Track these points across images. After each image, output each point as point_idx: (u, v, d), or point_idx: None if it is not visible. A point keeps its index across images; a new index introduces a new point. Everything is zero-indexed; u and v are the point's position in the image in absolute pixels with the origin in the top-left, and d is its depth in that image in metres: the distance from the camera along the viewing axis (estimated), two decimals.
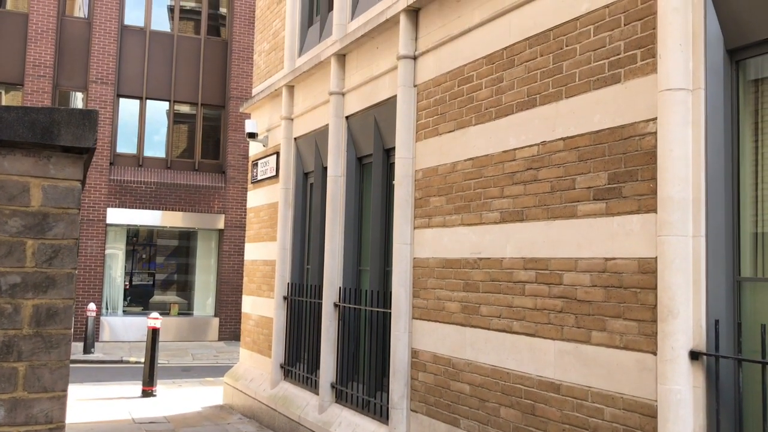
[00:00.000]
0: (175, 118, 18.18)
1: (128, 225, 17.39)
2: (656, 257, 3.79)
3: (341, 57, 7.83)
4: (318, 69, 8.40)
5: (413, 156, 6.29)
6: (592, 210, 4.28)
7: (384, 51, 6.98)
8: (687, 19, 3.75)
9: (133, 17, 17.83)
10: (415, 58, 6.39)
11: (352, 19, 7.83)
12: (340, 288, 7.57)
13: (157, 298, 18.55)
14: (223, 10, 18.81)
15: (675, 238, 3.68)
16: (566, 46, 4.59)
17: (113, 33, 17.02)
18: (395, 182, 6.39)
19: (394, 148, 6.67)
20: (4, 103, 16.86)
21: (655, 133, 3.87)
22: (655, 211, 3.83)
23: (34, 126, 2.21)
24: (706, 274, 3.65)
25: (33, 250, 2.20)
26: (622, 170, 4.10)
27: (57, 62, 16.80)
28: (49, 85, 16.48)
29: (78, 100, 17.49)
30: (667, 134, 3.73)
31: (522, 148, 4.92)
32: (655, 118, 3.87)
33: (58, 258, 2.23)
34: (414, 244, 6.17)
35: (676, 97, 3.71)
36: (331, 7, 8.54)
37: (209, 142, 18.42)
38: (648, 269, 3.87)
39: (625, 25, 4.15)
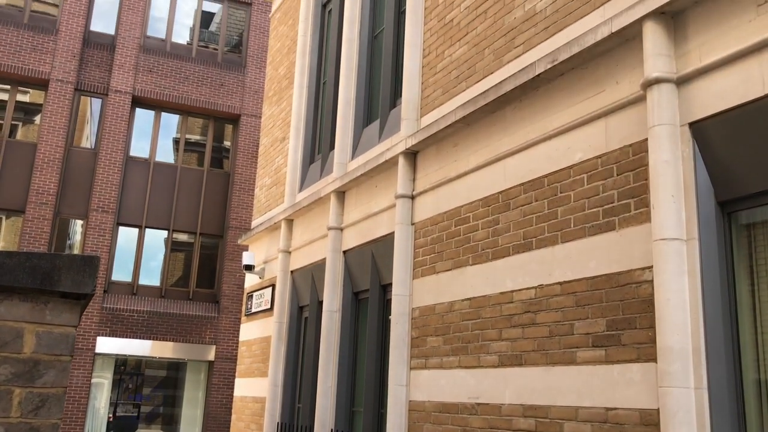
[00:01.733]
0: (173, 246, 18.30)
1: (117, 355, 17.03)
2: (658, 409, 3.69)
3: (341, 194, 8.00)
4: (318, 204, 8.56)
5: (410, 294, 6.28)
6: (591, 357, 4.22)
7: (383, 189, 7.15)
8: (678, 172, 3.87)
9: (139, 148, 18.37)
10: (412, 197, 6.53)
11: (352, 158, 8.08)
12: (332, 430, 7.30)
13: (141, 431, 17.82)
14: (227, 143, 19.43)
15: (677, 390, 3.60)
16: (561, 192, 4.71)
17: (118, 163, 17.48)
18: (392, 320, 6.33)
19: (391, 285, 6.66)
20: (3, 229, 17.02)
21: (652, 281, 3.89)
22: (655, 360, 3.78)
23: (35, 271, 2.22)
24: (711, 428, 3.53)
25: (20, 399, 2.14)
26: (620, 317, 4.08)
27: (60, 190, 17.12)
28: (50, 212, 16.70)
29: (77, 228, 17.66)
30: (664, 283, 3.75)
31: (519, 290, 4.92)
32: (651, 267, 3.91)
33: (45, 407, 2.16)
34: (410, 385, 6.02)
35: (670, 247, 3.76)
36: (332, 147, 8.83)
37: (205, 270, 18.43)
38: (650, 421, 3.75)
39: (617, 175, 4.29)
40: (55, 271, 2.24)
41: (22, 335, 2.19)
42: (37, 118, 17.70)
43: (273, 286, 9.60)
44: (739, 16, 3.69)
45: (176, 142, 19.19)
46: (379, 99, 7.83)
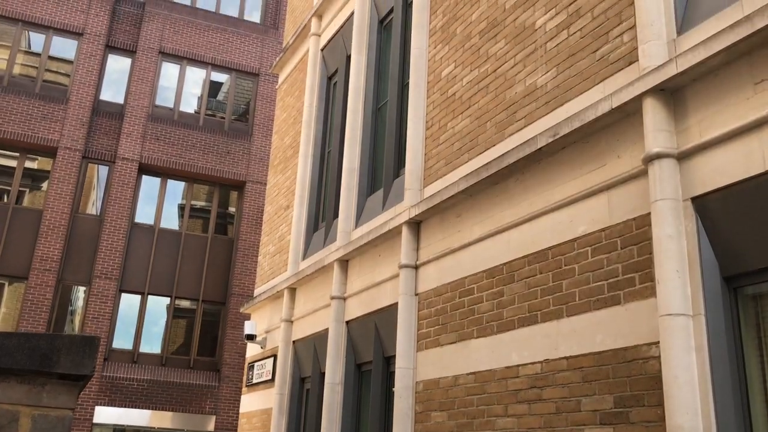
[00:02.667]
0: (175, 313, 18.17)
1: (115, 425, 16.68)
2: None
3: (344, 262, 7.99)
4: (321, 273, 8.54)
5: (414, 366, 6.18)
6: None
7: (386, 259, 7.13)
8: (682, 246, 3.86)
9: (144, 214, 18.48)
10: (416, 267, 6.51)
11: (356, 227, 8.10)
12: None
13: None
14: (231, 209, 19.55)
15: None
16: (565, 265, 4.69)
17: (123, 230, 17.55)
18: (395, 394, 6.21)
19: (394, 357, 6.57)
20: (5, 296, 16.96)
21: (659, 357, 3.83)
22: None
23: (34, 353, 2.19)
24: None
25: None
26: (628, 394, 4.00)
27: (64, 257, 17.14)
28: (53, 279, 16.68)
29: (80, 294, 17.59)
30: (671, 360, 3.68)
31: (525, 365, 4.84)
32: (658, 342, 3.85)
33: None
34: None
35: (677, 323, 3.71)
36: (336, 215, 8.87)
37: (207, 338, 18.25)
38: None
39: (621, 248, 4.28)
40: (54, 352, 2.21)
41: (18, 419, 2.14)
42: (44, 185, 17.89)
43: (274, 356, 9.48)
44: (737, 94, 3.75)
45: (181, 208, 19.31)
46: (383, 169, 7.91)
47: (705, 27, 3.99)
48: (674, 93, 4.11)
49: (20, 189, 17.73)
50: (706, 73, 3.90)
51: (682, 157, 3.97)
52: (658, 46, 4.22)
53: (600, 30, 4.82)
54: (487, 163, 5.52)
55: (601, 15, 4.83)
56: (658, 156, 3.99)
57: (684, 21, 4.22)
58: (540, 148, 4.94)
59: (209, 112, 19.75)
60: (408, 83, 7.51)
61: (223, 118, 19.81)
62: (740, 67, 3.75)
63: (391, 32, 8.48)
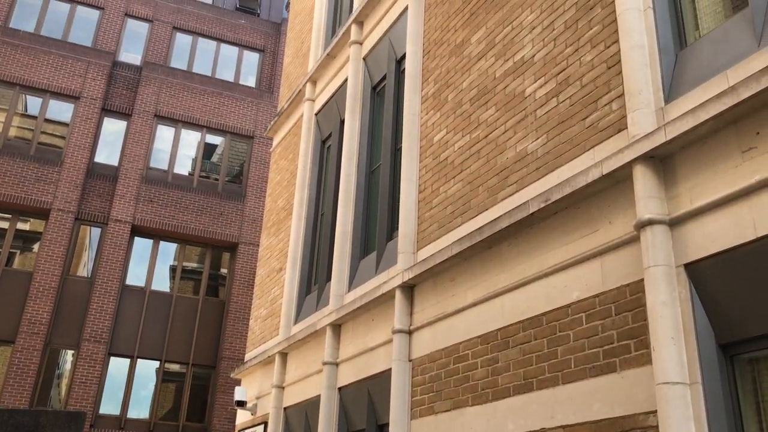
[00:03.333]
0: (164, 377, 17.84)
1: None
2: None
3: (337, 327, 7.91)
4: (313, 337, 8.44)
5: None
6: None
7: (379, 323, 7.07)
8: (676, 313, 3.85)
9: (135, 276, 18.35)
10: (410, 332, 6.44)
11: (349, 290, 8.05)
12: None
13: None
14: (223, 271, 19.45)
15: None
16: (560, 331, 4.66)
17: (113, 292, 17.39)
18: None
19: (387, 425, 6.43)
20: None
21: (657, 426, 3.77)
22: None
23: (18, 429, 2.13)
24: None
25: None
26: None
27: (53, 320, 16.91)
28: (41, 342, 16.41)
29: (68, 357, 17.29)
30: (669, 430, 3.62)
31: None
32: (655, 411, 3.79)
33: None
34: None
35: (674, 392, 3.66)
36: (329, 278, 8.83)
37: (196, 403, 17.87)
38: None
39: (616, 315, 4.25)
40: (39, 428, 2.16)
41: None
42: (36, 246, 17.80)
43: (265, 423, 9.27)
44: (725, 162, 3.80)
45: (173, 269, 19.21)
46: (376, 232, 7.92)
47: (692, 96, 4.08)
48: (664, 160, 4.16)
49: (11, 250, 17.63)
50: (694, 141, 3.96)
51: (674, 223, 4.00)
52: (647, 114, 4.30)
53: (589, 98, 4.91)
54: (480, 227, 5.54)
55: (590, 84, 4.94)
56: (650, 222, 4.02)
57: (671, 90, 4.31)
58: (532, 213, 4.96)
59: (203, 174, 19.87)
60: (401, 147, 7.60)
61: (217, 179, 19.92)
62: (728, 135, 3.81)
63: (384, 98, 8.63)
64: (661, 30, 4.53)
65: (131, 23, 20.86)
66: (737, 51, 3.94)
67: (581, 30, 5.15)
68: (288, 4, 23.16)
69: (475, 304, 5.60)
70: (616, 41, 4.76)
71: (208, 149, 20.33)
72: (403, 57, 8.18)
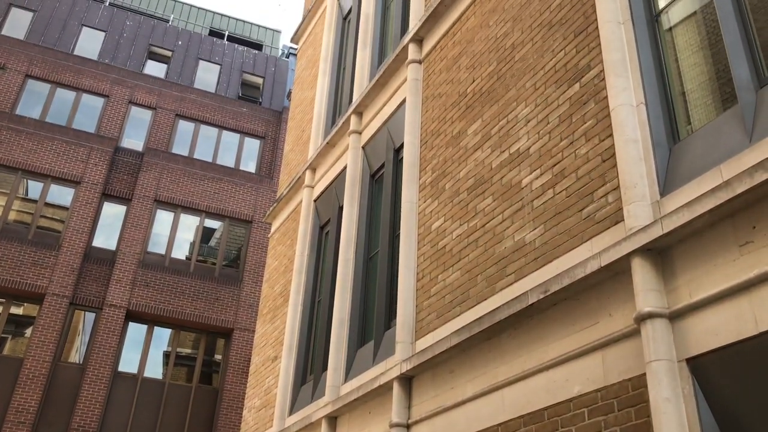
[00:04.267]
0: None
1: None
2: None
3: (332, 419, 7.70)
4: (308, 430, 8.20)
5: None
6: None
7: (377, 416, 6.88)
8: (680, 410, 3.75)
9: (128, 362, 18.00)
10: (408, 426, 6.27)
11: (345, 381, 7.89)
12: None
13: None
14: (218, 357, 19.11)
15: None
16: (562, 427, 4.53)
17: (105, 379, 17.02)
18: None
19: None
20: None
21: None
22: None
23: None
24: None
25: None
26: None
27: (41, 408, 16.47)
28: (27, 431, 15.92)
29: None
30: None
31: None
32: None
33: None
34: None
35: None
36: (325, 368, 8.66)
37: None
38: None
39: (618, 410, 4.15)
40: None
41: None
42: (28, 331, 17.55)
43: None
44: (723, 255, 3.80)
45: (166, 355, 18.88)
46: (374, 320, 7.83)
47: (687, 190, 4.13)
48: (662, 253, 4.16)
49: (2, 336, 17.37)
50: (691, 235, 3.98)
51: (674, 317, 3.96)
52: (643, 207, 4.34)
53: (585, 190, 4.97)
54: (479, 318, 5.48)
55: (585, 176, 5.00)
56: (650, 316, 3.98)
57: (666, 183, 4.36)
58: (531, 304, 4.92)
59: (200, 258, 19.84)
60: (399, 234, 7.63)
61: (214, 263, 19.88)
62: (725, 228, 3.83)
63: (382, 185, 8.73)
64: (654, 125, 4.63)
65: (135, 110, 21.34)
66: (729, 146, 4.01)
67: (575, 124, 5.27)
68: (290, 93, 23.80)
69: (475, 398, 5.47)
70: (610, 135, 4.85)
71: (207, 233, 20.39)
72: (401, 146, 8.33)
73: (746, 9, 4.45)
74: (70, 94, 20.75)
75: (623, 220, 4.48)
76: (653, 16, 5.15)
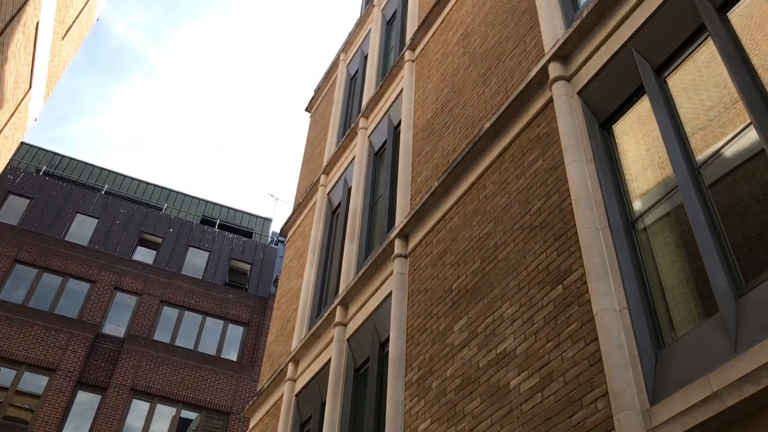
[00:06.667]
0: None
1: None
2: None
3: None
4: None
5: None
6: None
7: None
8: None
9: None
10: None
11: None
12: None
13: None
14: None
15: None
16: None
17: None
18: None
19: None
20: None
21: None
22: None
23: None
24: None
25: None
26: None
27: None
28: None
29: None
30: None
31: None
32: None
33: None
34: None
35: None
36: None
37: None
38: None
39: None
40: None
41: None
42: None
43: None
44: None
45: None
46: None
47: (677, 399, 4.05)
48: None
49: None
50: None
51: None
52: (633, 416, 4.23)
53: (573, 395, 4.87)
54: None
55: (573, 380, 4.93)
56: None
57: (655, 391, 4.30)
58: None
59: None
60: None
61: None
62: None
63: (367, 381, 8.52)
64: (638, 330, 4.65)
65: (120, 296, 21.31)
66: (715, 355, 4.01)
67: (560, 326, 5.29)
68: (276, 279, 24.00)
69: None
70: (595, 339, 4.85)
71: (183, 425, 19.51)
72: (387, 340, 8.25)
73: (717, 217, 4.66)
74: (57, 279, 20.80)
75: (614, 429, 4.35)
76: (629, 223, 5.38)
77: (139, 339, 19.94)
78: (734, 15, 5.28)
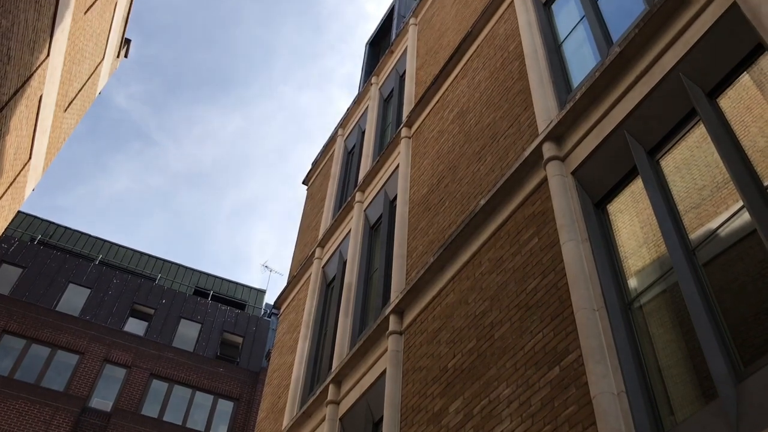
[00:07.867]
0: None
1: None
2: None
3: None
4: None
5: None
6: None
7: None
8: None
9: None
10: None
11: None
12: None
13: None
14: None
15: None
16: None
17: None
18: None
19: None
20: None
21: None
22: None
23: None
24: None
25: None
26: None
27: None
28: None
29: None
30: None
31: None
32: None
33: None
34: None
35: None
36: None
37: None
38: None
39: None
40: None
41: None
42: None
43: None
44: None
45: None
46: None
47: None
48: None
49: None
50: None
51: None
52: None
53: None
54: None
55: None
56: None
57: None
58: None
59: None
60: None
61: None
62: None
63: None
64: (636, 414, 4.56)
65: (109, 368, 20.90)
66: None
67: (558, 409, 5.17)
68: (268, 353, 23.64)
69: None
70: (593, 423, 4.74)
71: None
72: (381, 420, 8.06)
73: (713, 299, 4.64)
74: (45, 350, 20.44)
75: None
76: (626, 304, 5.34)
77: (127, 414, 19.44)
78: (724, 98, 5.41)
